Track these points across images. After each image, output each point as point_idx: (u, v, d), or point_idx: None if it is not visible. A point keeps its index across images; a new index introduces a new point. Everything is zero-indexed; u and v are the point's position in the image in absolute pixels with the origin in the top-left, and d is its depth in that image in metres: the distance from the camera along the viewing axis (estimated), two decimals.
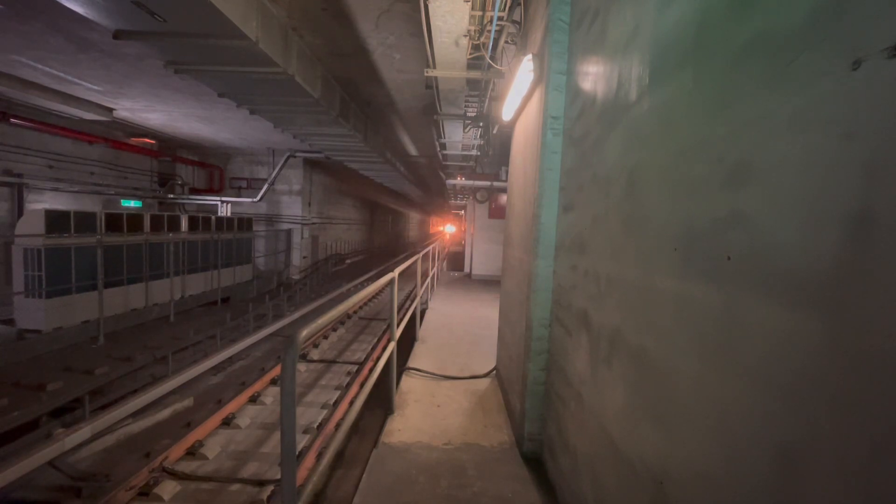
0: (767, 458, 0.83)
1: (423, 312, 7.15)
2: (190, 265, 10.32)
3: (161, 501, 3.00)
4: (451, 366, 4.46)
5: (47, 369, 6.05)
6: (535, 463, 2.67)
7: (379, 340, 7.00)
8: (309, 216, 15.98)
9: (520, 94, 3.19)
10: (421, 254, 6.28)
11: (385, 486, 2.41)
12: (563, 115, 2.57)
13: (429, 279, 8.21)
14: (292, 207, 15.29)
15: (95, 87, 7.96)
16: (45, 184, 9.24)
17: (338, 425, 3.90)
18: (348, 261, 21.31)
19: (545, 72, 2.63)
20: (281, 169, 13.91)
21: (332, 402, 4.66)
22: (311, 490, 1.63)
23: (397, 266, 3.67)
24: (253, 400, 4.66)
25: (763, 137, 0.90)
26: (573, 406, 2.09)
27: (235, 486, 3.19)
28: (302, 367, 5.68)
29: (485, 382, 4.08)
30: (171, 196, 13.14)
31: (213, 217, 11.40)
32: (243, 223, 12.74)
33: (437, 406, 3.50)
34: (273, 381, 5.13)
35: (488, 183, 10.75)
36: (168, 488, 3.09)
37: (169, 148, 13.25)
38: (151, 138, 12.12)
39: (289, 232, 15.37)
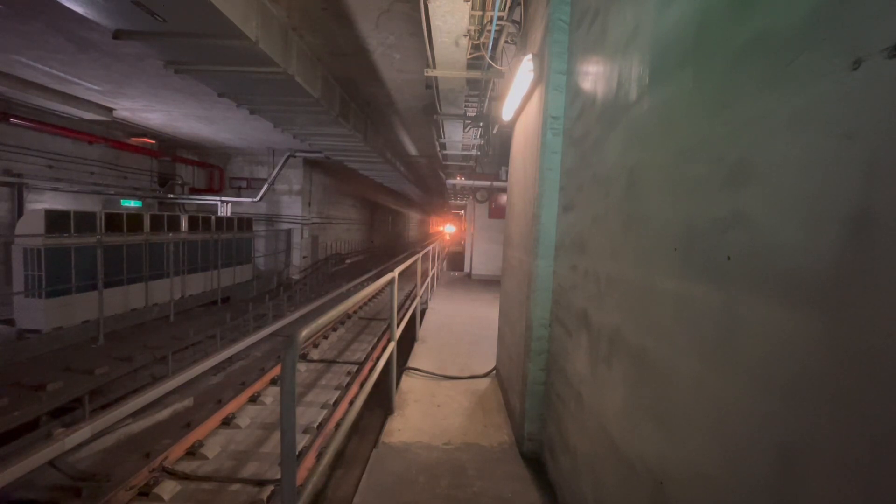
0: (767, 458, 0.83)
1: (423, 312, 7.15)
2: (190, 265, 10.32)
3: (161, 501, 3.00)
4: (451, 366, 4.46)
5: (47, 369, 6.05)
6: (535, 463, 2.67)
7: (379, 340, 7.00)
8: (309, 216, 15.98)
9: (520, 93, 3.19)
10: (421, 254, 6.28)
11: (385, 486, 2.41)
12: (563, 114, 2.57)
13: (429, 279, 8.21)
14: (292, 207, 15.30)
15: (95, 87, 7.96)
16: (45, 184, 9.24)
17: (338, 425, 3.90)
18: (348, 261, 21.32)
19: (545, 72, 2.62)
20: (281, 169, 13.91)
21: (332, 402, 4.66)
22: (311, 490, 1.63)
23: (397, 266, 3.67)
24: (253, 400, 4.66)
25: (763, 137, 0.90)
26: (573, 406, 2.09)
27: (235, 486, 3.19)
28: (302, 367, 5.68)
29: (485, 382, 4.09)
30: (171, 196, 13.14)
31: (213, 217, 11.39)
32: (243, 223, 12.74)
33: (437, 406, 3.50)
34: (273, 381, 5.13)
35: (488, 183, 10.76)
36: (168, 488, 3.09)
37: (169, 148, 13.25)
38: (151, 138, 12.12)
39: (289, 232, 15.37)
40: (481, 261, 12.71)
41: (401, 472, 2.54)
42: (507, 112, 3.72)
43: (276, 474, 3.30)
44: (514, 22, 3.70)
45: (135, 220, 8.79)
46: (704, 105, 1.13)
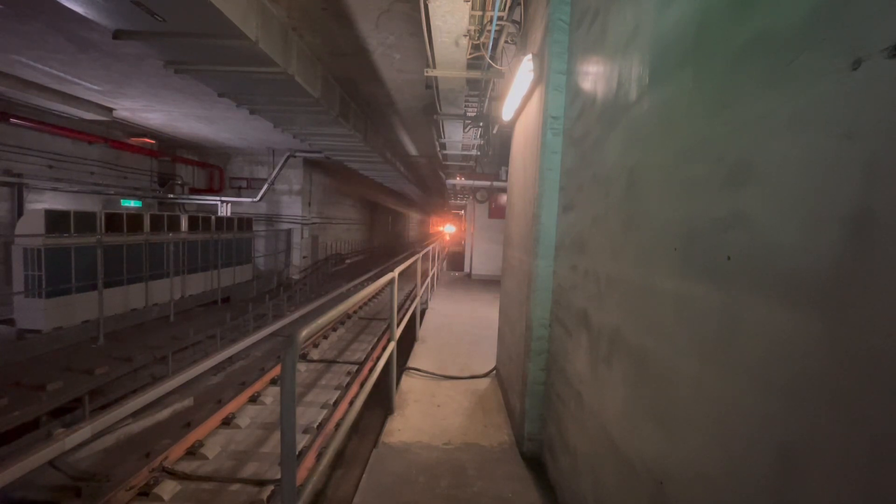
0: (767, 458, 0.83)
1: (423, 312, 7.15)
2: (190, 265, 10.32)
3: (161, 501, 3.00)
4: (451, 366, 4.46)
5: (47, 369, 6.05)
6: (535, 463, 2.67)
7: (379, 340, 7.00)
8: (309, 216, 15.98)
9: (520, 93, 3.19)
10: (421, 254, 6.28)
11: (385, 485, 2.41)
12: (563, 114, 2.57)
13: (429, 279, 8.21)
14: (292, 207, 15.30)
15: (95, 87, 7.96)
16: (45, 184, 9.24)
17: (338, 425, 3.90)
18: (348, 261, 21.32)
19: (545, 72, 2.62)
20: (281, 169, 13.91)
21: (332, 402, 4.66)
22: (311, 490, 1.63)
23: (397, 266, 3.67)
24: (253, 400, 4.65)
25: (763, 137, 0.90)
26: (573, 406, 2.09)
27: (235, 486, 3.19)
28: (302, 367, 5.68)
29: (485, 382, 4.08)
30: (171, 196, 13.14)
31: (213, 217, 11.40)
32: (243, 223, 12.74)
33: (437, 406, 3.50)
34: (273, 381, 5.12)
35: (488, 183, 10.75)
36: (168, 488, 3.08)
37: (169, 148, 13.25)
38: (151, 138, 12.12)
39: (289, 232, 15.37)
40: (481, 261, 12.71)
41: (401, 472, 2.54)
42: (507, 112, 3.72)
43: (276, 474, 3.29)
44: (514, 22, 3.70)
45: (135, 220, 8.79)
46: (704, 105, 1.13)
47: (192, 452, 3.57)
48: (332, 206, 19.09)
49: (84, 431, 3.09)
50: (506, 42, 3.94)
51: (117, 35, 4.33)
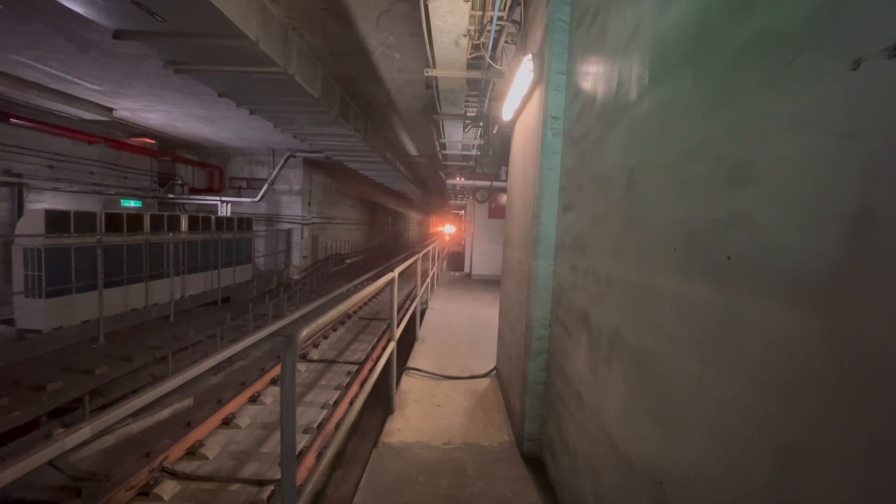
0: (767, 458, 0.83)
1: (423, 312, 7.15)
2: (190, 265, 10.32)
3: (161, 501, 3.00)
4: (451, 366, 4.46)
5: (47, 369, 6.05)
6: (535, 463, 2.67)
7: (379, 340, 7.00)
8: (309, 216, 15.98)
9: (520, 93, 3.19)
10: (421, 254, 6.28)
11: (385, 486, 2.41)
12: (563, 114, 2.57)
13: (429, 279, 8.20)
14: (292, 207, 15.30)
15: (95, 87, 7.96)
16: (45, 184, 9.24)
17: (338, 425, 3.90)
18: (348, 261, 21.32)
19: (545, 72, 2.62)
20: (281, 169, 13.91)
21: (332, 402, 4.66)
22: (311, 490, 1.63)
23: (397, 266, 3.67)
24: (253, 400, 4.65)
25: (763, 137, 0.90)
26: (573, 406, 2.09)
27: (235, 486, 3.19)
28: (302, 367, 5.68)
29: (485, 382, 4.08)
30: (171, 196, 13.14)
31: (213, 217, 11.40)
32: (243, 223, 12.74)
33: (437, 406, 3.50)
34: (273, 381, 5.12)
35: (488, 183, 10.75)
36: (168, 488, 3.08)
37: (169, 148, 13.25)
38: (151, 138, 12.12)
39: (289, 232, 15.37)
40: (481, 261, 12.71)
41: (401, 472, 2.54)
42: (507, 112, 3.72)
43: (276, 474, 3.29)
44: (514, 22, 3.70)
45: (135, 220, 8.79)
46: (704, 105, 1.13)
47: (192, 452, 3.57)
48: (332, 206, 19.09)
49: (84, 431, 3.09)
50: (506, 42, 3.94)
51: (117, 35, 4.33)
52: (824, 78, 0.76)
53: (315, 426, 4.12)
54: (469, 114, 6.70)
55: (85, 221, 7.65)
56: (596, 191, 1.93)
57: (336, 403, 4.63)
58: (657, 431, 1.26)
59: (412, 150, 13.38)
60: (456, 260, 16.20)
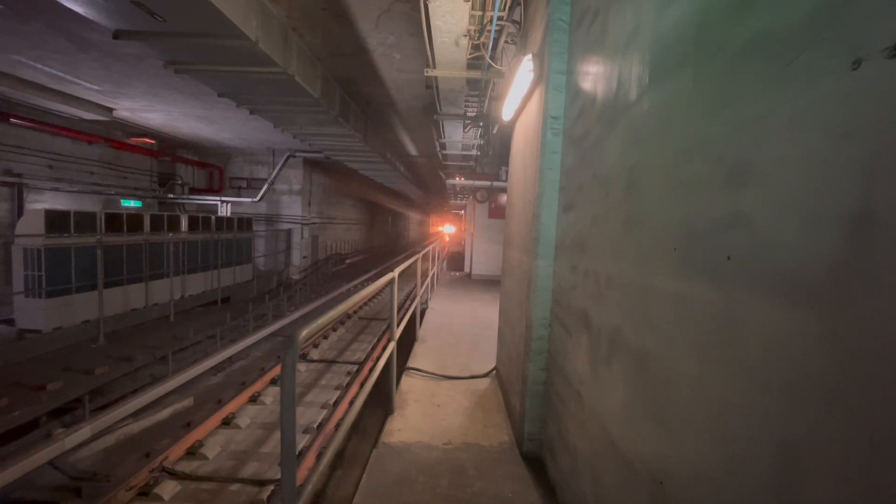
0: (767, 458, 0.83)
1: (423, 312, 7.15)
2: (190, 265, 10.32)
3: (161, 501, 3.00)
4: (451, 366, 4.46)
5: (47, 369, 6.05)
6: (535, 463, 2.67)
7: (379, 340, 7.00)
8: (309, 216, 15.98)
9: (520, 93, 3.19)
10: (421, 254, 6.28)
11: (385, 486, 2.41)
12: (563, 114, 2.57)
13: (429, 279, 8.20)
14: (292, 207, 15.30)
15: (95, 87, 7.96)
16: (44, 184, 9.24)
17: (338, 425, 3.90)
18: (348, 261, 21.32)
19: (545, 72, 2.62)
20: (281, 169, 13.91)
21: (332, 401, 4.66)
22: (311, 490, 1.63)
23: (397, 266, 3.67)
24: (253, 400, 4.65)
25: (763, 137, 0.90)
26: (573, 406, 2.09)
27: (235, 486, 3.19)
28: (302, 367, 5.68)
29: (485, 382, 4.08)
30: (171, 196, 13.14)
31: (213, 217, 11.40)
32: (243, 223, 12.75)
33: (437, 406, 3.50)
34: (273, 381, 5.12)
35: (488, 183, 10.74)
36: (168, 488, 3.08)
37: (169, 148, 13.25)
38: (151, 138, 12.12)
39: (289, 232, 15.37)
40: (481, 261, 12.72)
41: (401, 472, 2.54)
42: (507, 112, 3.72)
43: (276, 474, 3.29)
44: (514, 22, 3.70)
45: (135, 220, 8.80)
46: (704, 105, 1.13)
47: (192, 452, 3.57)
48: (332, 206, 19.09)
49: (84, 431, 3.09)
50: (506, 42, 3.94)
51: (117, 35, 4.33)
52: (824, 78, 0.76)
53: (315, 426, 4.12)
54: (469, 114, 6.70)
55: (85, 221, 7.65)
56: (596, 191, 1.93)
57: (336, 403, 4.63)
58: (657, 431, 1.26)
59: (412, 150, 13.38)
60: (456, 260, 16.21)
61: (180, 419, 4.35)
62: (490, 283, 11.12)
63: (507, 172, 6.14)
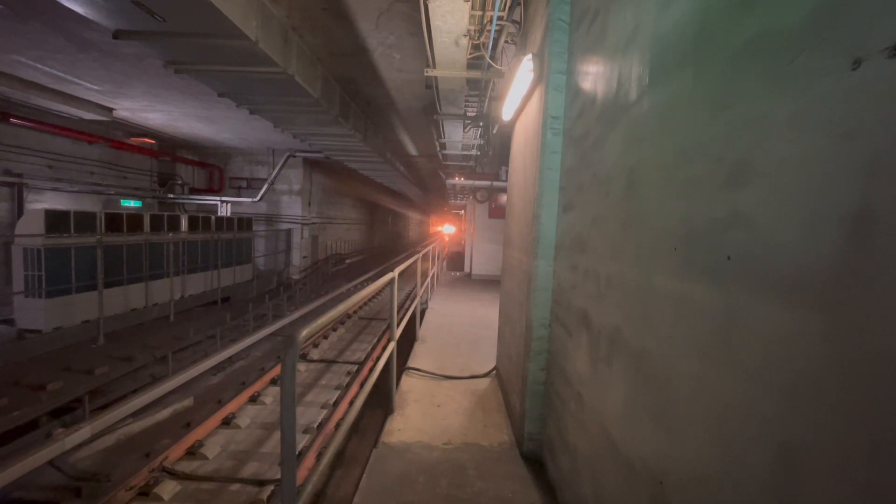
0: (767, 458, 0.83)
1: (423, 312, 7.15)
2: (190, 265, 10.32)
3: (161, 501, 3.00)
4: (451, 366, 4.46)
5: (47, 369, 6.05)
6: (535, 463, 2.67)
7: (379, 340, 7.00)
8: (309, 216, 15.98)
9: (520, 93, 3.19)
10: (421, 254, 6.28)
11: (385, 485, 2.41)
12: (563, 114, 2.57)
13: (429, 279, 8.20)
14: (292, 207, 15.30)
15: (95, 87, 7.96)
16: (44, 184, 9.23)
17: (338, 425, 3.89)
18: (348, 261, 21.31)
19: (545, 71, 2.62)
20: (281, 169, 13.91)
21: (332, 401, 4.66)
22: (311, 490, 1.63)
23: (397, 266, 3.67)
24: (253, 400, 4.65)
25: (763, 137, 0.90)
26: (573, 406, 2.09)
27: (235, 486, 3.19)
28: (302, 366, 5.68)
29: (485, 382, 4.08)
30: (171, 196, 13.13)
31: (212, 217, 11.39)
32: (243, 223, 12.74)
33: (437, 406, 3.50)
34: (273, 381, 5.12)
35: (488, 183, 10.74)
36: (168, 488, 3.08)
37: (169, 148, 13.25)
38: (151, 138, 12.12)
39: (289, 232, 15.37)
40: (481, 261, 12.72)
41: (401, 472, 2.54)
42: (507, 112, 3.72)
43: (276, 474, 3.29)
44: (514, 22, 3.70)
45: (135, 220, 8.80)
46: (704, 105, 1.13)
47: (192, 452, 3.57)
48: (332, 206, 19.09)
49: (84, 431, 3.09)
50: (506, 42, 3.94)
51: (117, 35, 4.33)
52: (824, 78, 0.76)
53: (315, 426, 4.12)
54: (469, 114, 6.70)
55: (85, 221, 7.65)
56: (596, 191, 1.93)
57: (336, 403, 4.63)
58: (657, 431, 1.26)
59: (412, 150, 13.38)
60: (456, 260, 16.21)
61: (180, 419, 4.35)
62: (490, 283, 11.12)
63: (507, 172, 6.14)
